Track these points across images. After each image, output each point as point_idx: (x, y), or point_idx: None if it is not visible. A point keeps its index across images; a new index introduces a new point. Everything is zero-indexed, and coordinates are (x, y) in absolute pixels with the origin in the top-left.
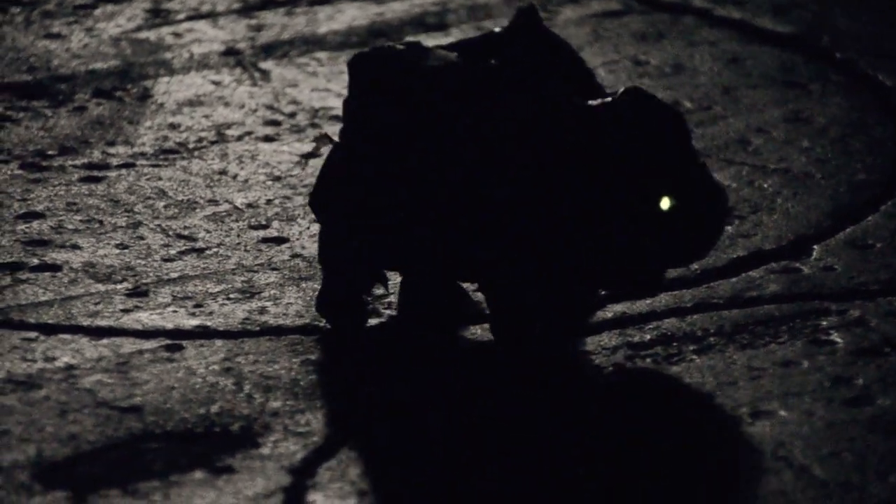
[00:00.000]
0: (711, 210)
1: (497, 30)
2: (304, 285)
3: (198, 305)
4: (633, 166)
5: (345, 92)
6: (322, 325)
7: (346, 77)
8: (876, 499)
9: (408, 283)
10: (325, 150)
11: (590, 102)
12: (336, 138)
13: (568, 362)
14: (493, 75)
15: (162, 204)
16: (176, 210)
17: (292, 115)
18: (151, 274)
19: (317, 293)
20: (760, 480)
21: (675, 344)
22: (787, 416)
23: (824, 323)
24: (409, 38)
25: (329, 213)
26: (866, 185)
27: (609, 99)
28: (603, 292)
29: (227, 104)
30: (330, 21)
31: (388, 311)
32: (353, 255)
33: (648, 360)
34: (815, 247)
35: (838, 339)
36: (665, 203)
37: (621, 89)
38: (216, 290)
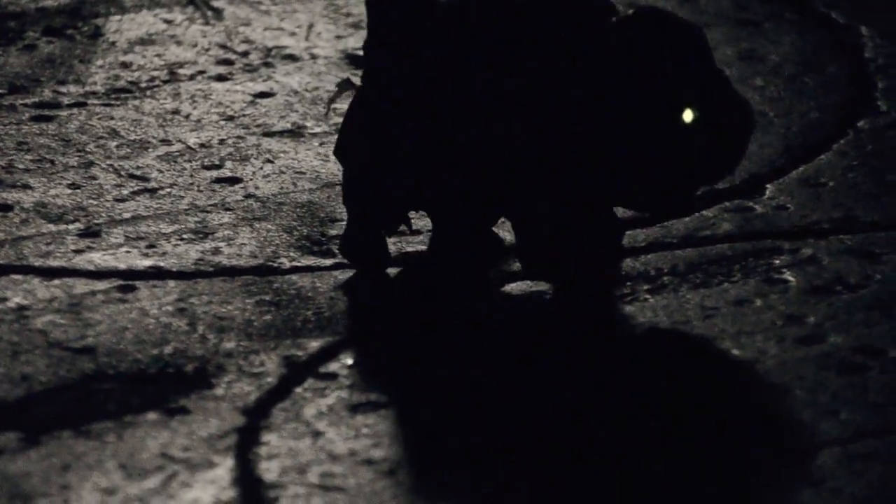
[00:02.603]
0: (735, 122)
1: None
2: (257, 226)
3: (151, 246)
4: (654, 81)
5: (297, 31)
6: (276, 265)
7: (298, 16)
8: (827, 436)
9: (439, 229)
10: (347, 96)
11: (608, 21)
12: (358, 83)
13: (597, 288)
14: (514, 10)
15: (114, 143)
16: (128, 150)
17: (245, 54)
18: (104, 214)
19: (341, 237)
20: (713, 419)
21: (628, 283)
22: (740, 355)
23: (777, 261)
24: None
25: (354, 159)
26: (819, 123)
27: (626, 15)
28: (635, 214)
29: (179, 43)
30: None
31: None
32: (378, 198)
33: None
34: (767, 185)
35: (791, 278)
36: (688, 115)
37: (636, 9)
38: (169, 230)
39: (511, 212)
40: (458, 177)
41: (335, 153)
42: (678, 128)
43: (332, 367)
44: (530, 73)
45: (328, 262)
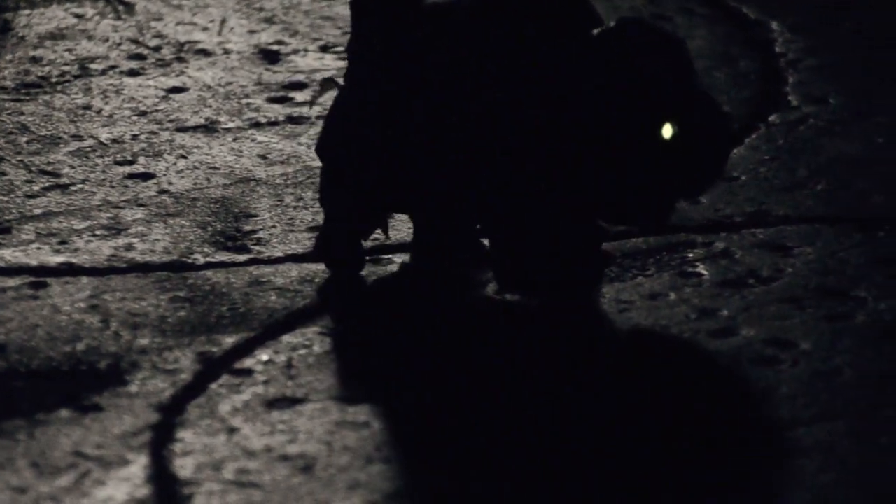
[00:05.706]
0: (714, 138)
1: None
2: (171, 221)
3: (63, 242)
4: (634, 95)
5: (210, 25)
6: (190, 261)
7: (211, 10)
8: (741, 429)
9: (421, 230)
10: (329, 95)
11: (591, 32)
12: (341, 82)
13: (570, 301)
14: (496, 11)
15: (24, 139)
16: (39, 145)
17: (157, 48)
18: (14, 210)
19: (315, 239)
20: (623, 414)
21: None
22: (654, 349)
23: (690, 255)
24: None
25: (335, 157)
26: (730, 118)
27: (608, 27)
28: (612, 227)
29: (90, 38)
30: None
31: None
32: (354, 198)
33: (517, 294)
34: None
35: (704, 271)
36: (667, 131)
37: (619, 21)
38: (81, 226)
39: (485, 222)
40: (437, 180)
41: (316, 151)
42: (657, 143)
43: (248, 363)
44: (511, 81)
45: (243, 257)
